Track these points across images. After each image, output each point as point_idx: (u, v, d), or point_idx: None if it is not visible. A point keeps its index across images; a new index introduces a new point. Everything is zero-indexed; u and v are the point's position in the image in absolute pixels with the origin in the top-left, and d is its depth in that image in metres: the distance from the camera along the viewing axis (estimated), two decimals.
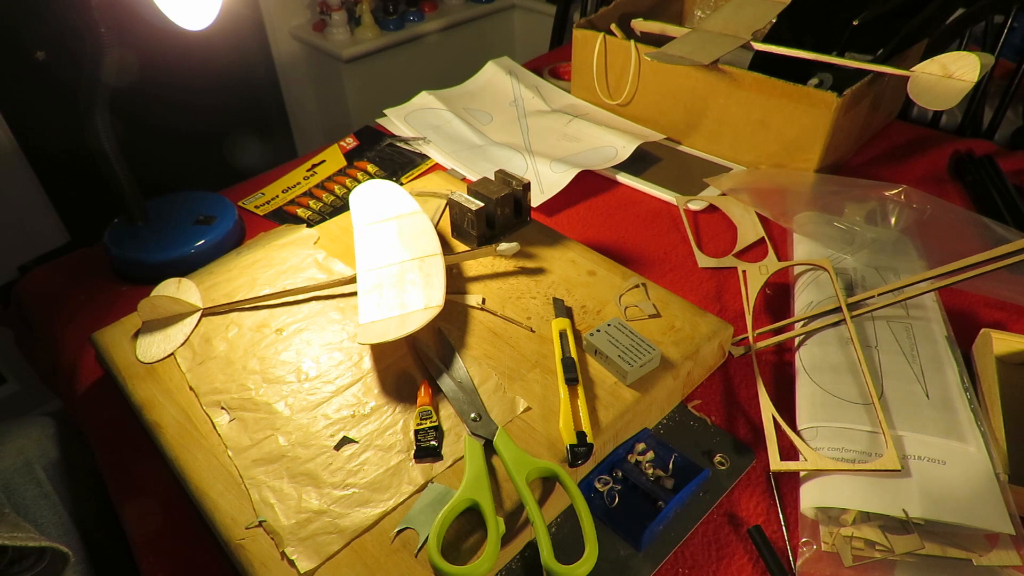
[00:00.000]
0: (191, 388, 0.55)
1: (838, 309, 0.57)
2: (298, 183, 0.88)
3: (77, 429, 0.69)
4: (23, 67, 1.55)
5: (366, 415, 0.52)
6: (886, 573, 0.43)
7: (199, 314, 0.62)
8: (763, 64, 0.82)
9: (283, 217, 0.82)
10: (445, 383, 0.53)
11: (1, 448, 0.63)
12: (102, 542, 0.64)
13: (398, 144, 0.94)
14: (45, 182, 1.69)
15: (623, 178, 0.85)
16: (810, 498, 0.45)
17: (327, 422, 0.51)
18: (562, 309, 0.58)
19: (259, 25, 1.96)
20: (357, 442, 0.50)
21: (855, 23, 0.78)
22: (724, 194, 0.80)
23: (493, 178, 0.69)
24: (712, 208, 0.79)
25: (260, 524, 0.45)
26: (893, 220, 0.67)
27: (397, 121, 0.98)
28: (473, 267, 0.65)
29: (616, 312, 0.58)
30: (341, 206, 0.83)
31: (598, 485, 0.48)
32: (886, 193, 0.69)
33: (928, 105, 0.71)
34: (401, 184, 0.82)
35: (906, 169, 0.85)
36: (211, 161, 1.94)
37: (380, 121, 0.99)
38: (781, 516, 0.47)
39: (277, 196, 0.86)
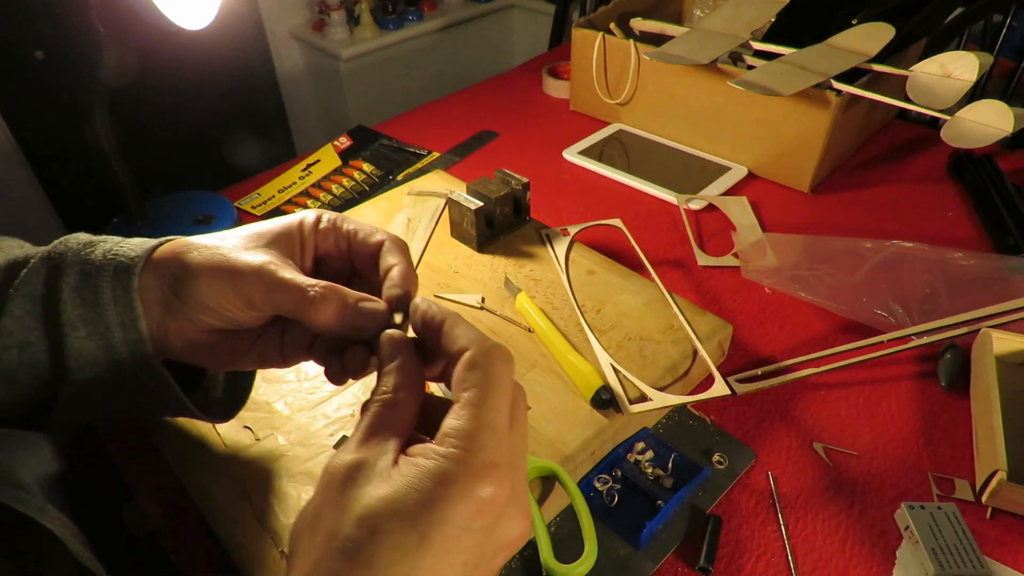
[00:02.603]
0: None
1: None
2: (294, 183, 0.88)
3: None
4: (22, 67, 1.55)
5: None
6: (885, 571, 0.43)
7: None
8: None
9: None
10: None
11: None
12: (104, 542, 0.64)
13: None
14: (45, 182, 1.69)
15: (623, 178, 0.85)
16: None
17: (327, 421, 0.51)
18: (514, 288, 0.61)
19: (258, 25, 1.96)
20: None
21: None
22: (724, 194, 0.80)
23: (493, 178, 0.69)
24: (712, 207, 0.79)
25: (284, 555, 0.45)
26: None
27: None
28: (473, 267, 0.65)
29: (616, 311, 0.58)
30: (340, 205, 0.83)
31: (598, 484, 0.48)
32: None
33: (927, 104, 0.71)
34: (398, 182, 0.83)
35: (905, 168, 0.85)
36: (211, 161, 1.94)
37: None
38: (780, 516, 0.47)
39: (273, 196, 0.86)
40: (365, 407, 0.29)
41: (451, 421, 0.27)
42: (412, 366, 0.30)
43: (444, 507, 0.25)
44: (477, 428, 0.27)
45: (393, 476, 0.26)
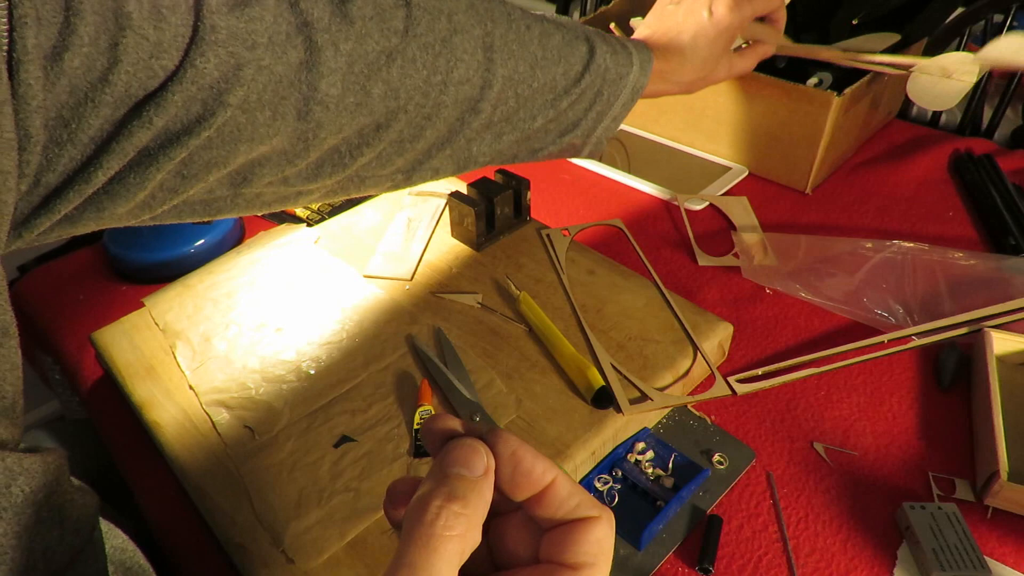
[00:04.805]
0: (191, 388, 0.55)
1: None
2: None
3: (78, 429, 0.69)
4: None
5: (366, 414, 0.52)
6: (886, 571, 0.43)
7: None
8: (763, 64, 0.82)
9: (281, 217, 0.82)
10: (445, 382, 0.53)
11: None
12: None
13: None
14: None
15: (623, 178, 0.85)
16: None
17: (327, 421, 0.51)
18: (514, 288, 0.61)
19: None
20: (357, 441, 0.50)
21: (855, 23, 0.78)
22: (724, 194, 0.80)
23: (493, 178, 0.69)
24: (712, 207, 0.79)
25: (284, 555, 0.45)
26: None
27: None
28: (473, 267, 0.65)
29: (616, 311, 0.58)
30: (340, 205, 0.83)
31: (598, 484, 0.48)
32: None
33: (927, 105, 0.71)
34: None
35: (905, 168, 0.85)
36: None
37: None
38: (781, 516, 0.47)
39: None
40: (417, 524, 0.21)
41: None
42: (489, 492, 0.23)
43: None
44: None
45: None
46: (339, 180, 0.40)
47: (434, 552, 0.20)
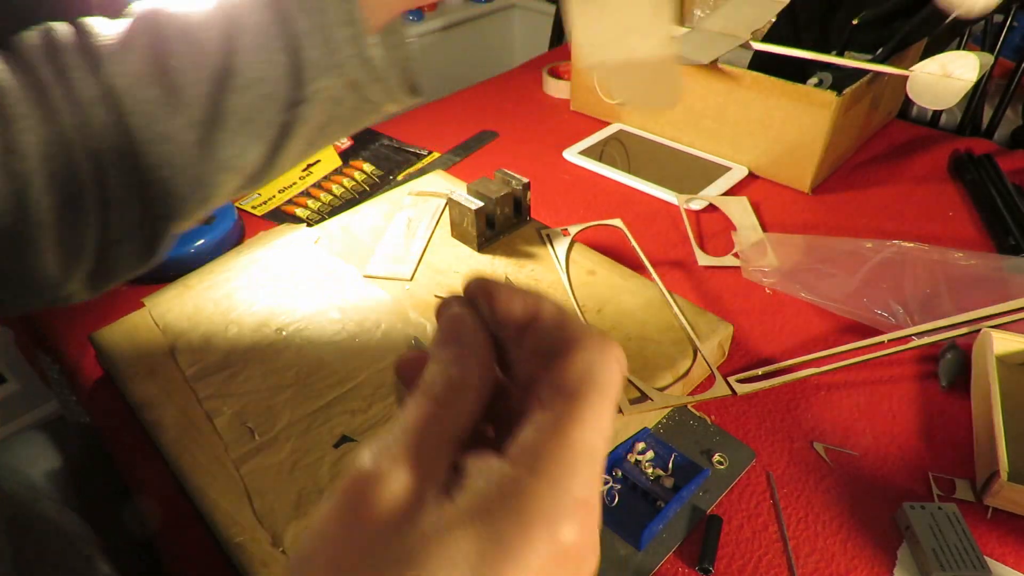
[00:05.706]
0: (191, 388, 0.55)
1: None
2: (294, 183, 0.88)
3: (78, 430, 0.69)
4: None
5: (366, 414, 0.52)
6: (886, 571, 0.43)
7: None
8: (763, 64, 0.82)
9: (281, 217, 0.82)
10: None
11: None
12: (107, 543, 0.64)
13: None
14: None
15: (623, 178, 0.85)
16: None
17: (327, 421, 0.51)
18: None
19: None
20: (357, 441, 0.50)
21: (854, 22, 0.78)
22: (724, 194, 0.80)
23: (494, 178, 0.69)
24: (712, 207, 0.79)
25: (284, 555, 0.45)
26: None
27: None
28: (473, 267, 0.65)
29: (616, 311, 0.58)
30: (340, 205, 0.83)
31: None
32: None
33: (927, 104, 0.71)
34: (398, 182, 0.83)
35: (905, 168, 0.85)
36: None
37: None
38: (781, 516, 0.47)
39: (274, 196, 0.85)
40: (409, 401, 0.21)
41: (533, 434, 0.19)
42: (480, 341, 0.22)
43: (516, 557, 0.17)
44: (574, 455, 0.19)
45: (448, 514, 0.18)
46: (88, 271, 0.36)
47: (430, 442, 0.20)
